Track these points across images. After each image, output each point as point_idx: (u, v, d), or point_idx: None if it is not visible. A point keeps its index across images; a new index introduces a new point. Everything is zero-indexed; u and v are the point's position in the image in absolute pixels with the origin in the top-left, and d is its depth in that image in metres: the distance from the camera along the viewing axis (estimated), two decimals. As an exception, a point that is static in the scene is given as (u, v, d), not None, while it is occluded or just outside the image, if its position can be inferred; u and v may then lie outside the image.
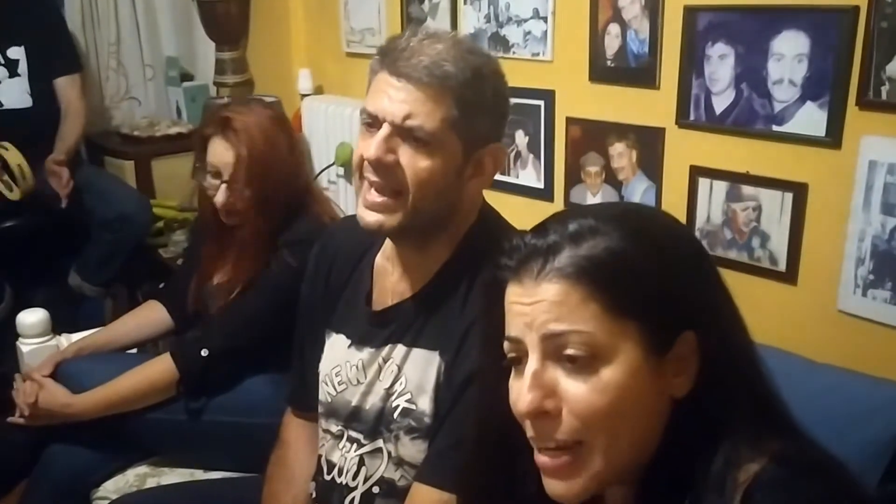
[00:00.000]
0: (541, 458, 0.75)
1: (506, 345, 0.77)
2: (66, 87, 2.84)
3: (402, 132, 1.04)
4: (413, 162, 1.04)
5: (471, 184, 1.10)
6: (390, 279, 1.19)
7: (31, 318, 1.87)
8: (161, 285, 2.11)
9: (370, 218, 1.08)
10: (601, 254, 0.72)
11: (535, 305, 0.73)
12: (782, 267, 1.62)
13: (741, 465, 0.70)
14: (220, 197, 1.66)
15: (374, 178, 1.06)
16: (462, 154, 1.06)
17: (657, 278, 0.73)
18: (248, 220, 1.67)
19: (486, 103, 1.06)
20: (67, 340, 1.88)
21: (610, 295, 0.71)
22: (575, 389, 0.72)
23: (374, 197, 1.07)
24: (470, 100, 1.04)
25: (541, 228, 0.77)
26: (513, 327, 0.76)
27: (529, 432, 0.75)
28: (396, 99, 1.03)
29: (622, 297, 0.72)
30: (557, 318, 0.72)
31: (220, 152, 1.66)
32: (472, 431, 0.89)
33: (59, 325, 1.95)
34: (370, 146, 1.04)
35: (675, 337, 0.73)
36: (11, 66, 2.77)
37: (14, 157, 2.57)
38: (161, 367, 1.64)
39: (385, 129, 1.04)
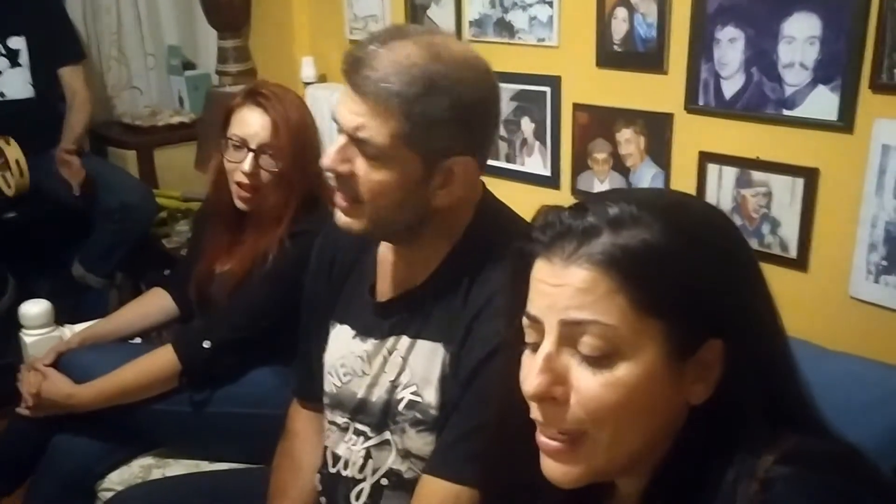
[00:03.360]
0: (541, 439, 0.73)
1: (524, 321, 0.75)
2: (71, 76, 2.83)
3: (357, 143, 1.03)
4: (367, 174, 1.03)
5: (441, 193, 1.06)
6: (393, 270, 1.18)
7: (34, 308, 1.86)
8: (166, 273, 2.10)
9: (340, 220, 1.09)
10: (638, 246, 0.69)
11: (560, 288, 0.70)
12: (793, 253, 1.60)
13: (755, 470, 0.68)
14: (245, 166, 1.58)
15: (334, 183, 1.07)
16: (422, 166, 1.03)
17: (693, 281, 0.69)
18: (265, 200, 1.62)
19: (441, 116, 1.00)
20: (70, 331, 1.87)
21: (640, 290, 0.68)
22: (586, 381, 0.70)
23: (340, 201, 1.07)
24: (420, 114, 0.99)
25: (580, 208, 0.73)
26: (534, 306, 0.73)
27: (534, 413, 0.73)
28: (351, 110, 1.02)
29: (652, 294, 0.69)
30: (580, 306, 0.69)
31: (249, 120, 1.60)
32: (493, 406, 0.87)
33: (62, 315, 1.94)
34: (327, 155, 1.05)
35: (701, 343, 0.70)
36: (12, 56, 2.75)
37: (14, 152, 2.53)
38: (163, 359, 1.62)
39: (341, 139, 1.04)
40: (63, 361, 1.70)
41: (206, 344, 1.60)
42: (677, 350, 0.69)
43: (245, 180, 1.60)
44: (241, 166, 1.60)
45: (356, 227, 1.08)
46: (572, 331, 0.70)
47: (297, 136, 1.60)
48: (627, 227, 0.70)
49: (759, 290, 0.75)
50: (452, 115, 1.01)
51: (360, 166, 1.03)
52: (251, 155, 1.59)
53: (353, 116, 1.02)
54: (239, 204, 1.64)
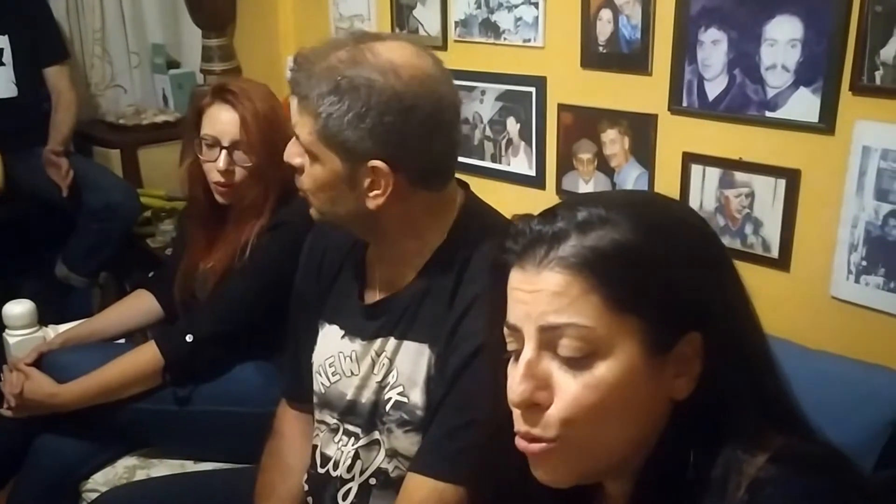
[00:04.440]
0: (521, 443, 0.74)
1: (505, 331, 0.75)
2: (56, 76, 2.81)
3: (298, 139, 1.11)
4: (306, 168, 1.10)
5: (371, 196, 1.07)
6: (379, 273, 1.19)
7: (17, 308, 1.85)
8: (150, 274, 2.09)
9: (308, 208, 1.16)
10: (607, 245, 0.70)
11: (535, 294, 0.71)
12: (775, 253, 1.61)
13: (742, 468, 0.68)
14: (220, 164, 1.61)
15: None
16: (343, 165, 1.06)
17: (664, 275, 0.70)
18: (244, 195, 1.64)
19: (345, 117, 1.03)
20: (54, 332, 1.86)
21: (612, 289, 0.69)
22: (568, 383, 0.70)
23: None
24: (327, 113, 1.04)
25: (549, 214, 0.74)
26: (512, 314, 0.74)
27: (517, 422, 0.73)
28: (291, 109, 1.11)
29: (625, 291, 0.69)
30: (556, 310, 0.70)
31: (219, 118, 1.63)
32: (478, 409, 0.87)
33: (46, 316, 1.93)
34: (286, 149, 1.15)
35: (679, 337, 0.71)
36: (-4, 56, 2.73)
37: None
38: (146, 355, 1.62)
39: (293, 139, 1.12)
40: (45, 361, 1.69)
41: (189, 338, 1.61)
42: (655, 345, 0.70)
43: (221, 178, 1.63)
44: (216, 165, 1.62)
45: (314, 215, 1.15)
46: (550, 335, 0.71)
47: (267, 130, 1.62)
48: (595, 228, 0.71)
49: (733, 283, 0.75)
50: (356, 118, 1.03)
51: (305, 161, 1.10)
52: (224, 152, 1.62)
53: (292, 114, 1.11)
54: (220, 199, 1.67)
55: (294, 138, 1.11)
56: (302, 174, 1.12)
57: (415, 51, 1.08)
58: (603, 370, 0.69)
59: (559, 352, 0.70)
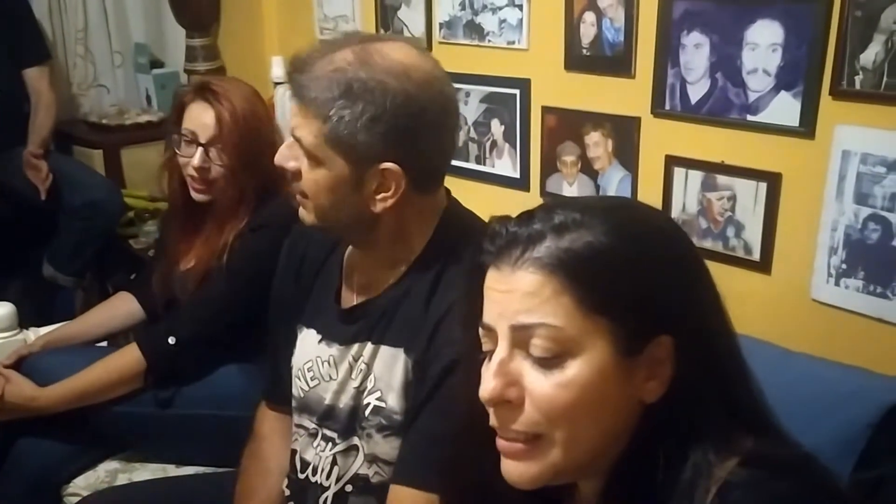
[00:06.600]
0: (500, 441, 0.75)
1: (480, 330, 0.76)
2: (36, 77, 2.78)
3: (297, 142, 1.07)
4: (306, 172, 1.08)
5: (378, 199, 1.06)
6: (357, 277, 1.19)
7: (-3, 311, 1.83)
8: (133, 276, 2.08)
9: (299, 212, 1.14)
10: (581, 248, 0.71)
11: (509, 294, 0.72)
12: (756, 256, 1.63)
13: (712, 471, 0.69)
14: (195, 160, 1.61)
15: (289, 178, 1.11)
16: (349, 169, 1.05)
17: (636, 279, 0.71)
18: (221, 193, 1.64)
19: (357, 121, 1.02)
20: (35, 334, 1.85)
21: (584, 290, 0.70)
22: (538, 383, 0.71)
23: (296, 195, 1.12)
24: (337, 117, 1.02)
25: (526, 216, 0.75)
26: (487, 314, 0.75)
27: (491, 419, 0.75)
28: (291, 111, 1.08)
29: (596, 293, 0.70)
30: (528, 310, 0.71)
31: (198, 114, 1.63)
32: (457, 414, 0.88)
33: (32, 316, 1.91)
34: (279, 152, 1.11)
35: (650, 340, 0.72)
36: (-23, 57, 2.70)
37: None
38: (128, 357, 1.61)
39: (290, 138, 1.09)
40: (26, 365, 1.68)
41: (171, 340, 1.60)
42: (626, 347, 0.71)
43: (196, 174, 1.63)
44: (192, 161, 1.62)
45: (308, 221, 1.12)
46: (522, 335, 0.72)
47: (245, 130, 1.62)
48: (570, 231, 0.72)
49: (706, 290, 0.76)
50: (370, 121, 1.02)
51: (303, 164, 1.08)
52: (201, 149, 1.62)
53: (291, 117, 1.08)
54: (196, 196, 1.66)
55: (290, 141, 1.08)
56: (299, 179, 1.09)
57: (418, 52, 1.07)
58: (573, 370, 0.70)
59: (531, 351, 0.72)
